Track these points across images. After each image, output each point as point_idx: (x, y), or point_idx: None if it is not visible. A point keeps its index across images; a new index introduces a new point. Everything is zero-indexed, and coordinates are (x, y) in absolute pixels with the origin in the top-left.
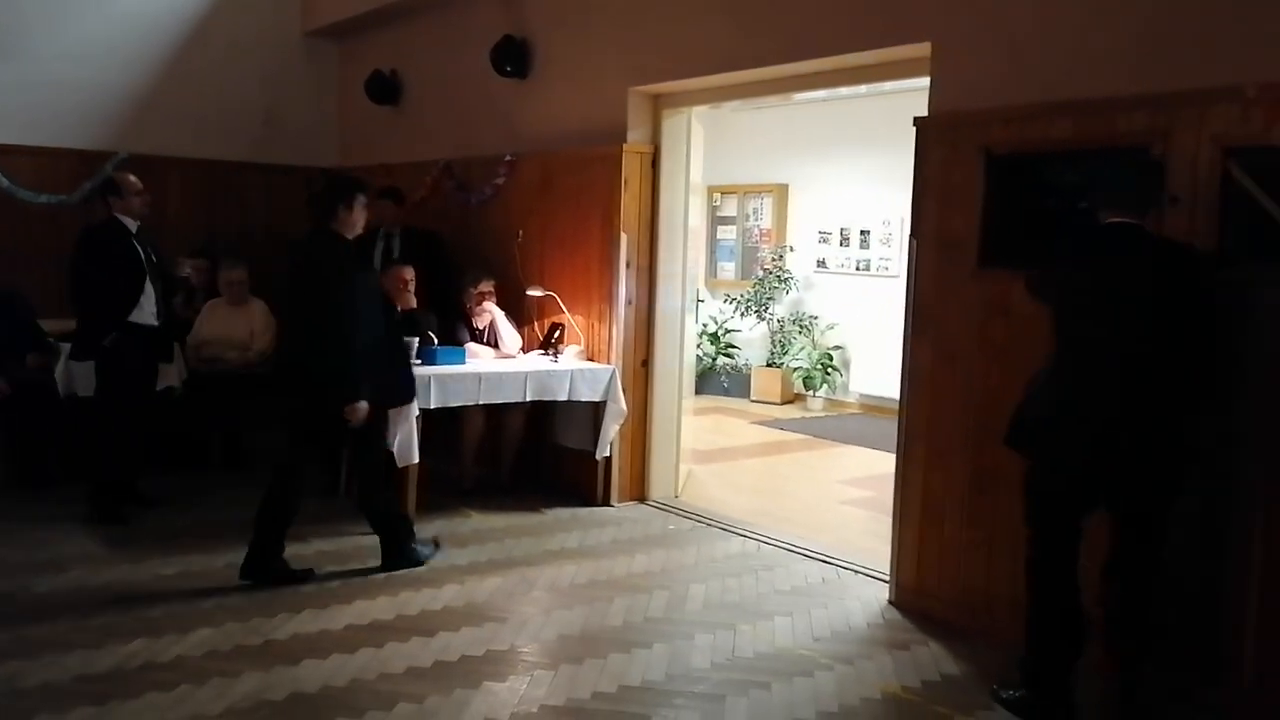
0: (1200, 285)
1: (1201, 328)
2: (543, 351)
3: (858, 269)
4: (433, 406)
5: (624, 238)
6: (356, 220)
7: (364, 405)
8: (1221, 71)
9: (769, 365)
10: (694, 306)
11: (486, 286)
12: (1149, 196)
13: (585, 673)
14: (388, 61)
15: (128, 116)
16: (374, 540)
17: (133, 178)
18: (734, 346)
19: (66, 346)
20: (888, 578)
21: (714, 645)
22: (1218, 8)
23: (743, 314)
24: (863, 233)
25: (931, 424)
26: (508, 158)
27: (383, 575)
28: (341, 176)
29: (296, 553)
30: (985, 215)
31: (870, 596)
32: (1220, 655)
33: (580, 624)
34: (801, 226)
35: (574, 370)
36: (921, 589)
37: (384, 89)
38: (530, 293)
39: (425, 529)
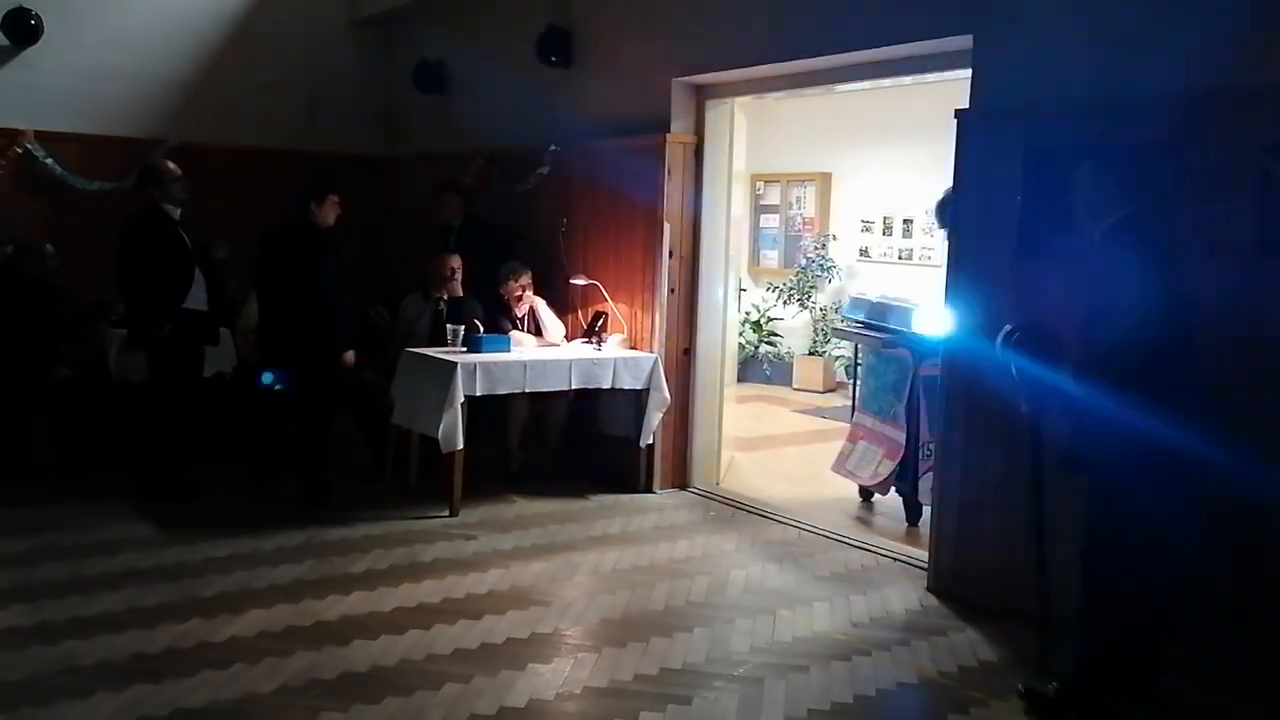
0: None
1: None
2: (586, 340)
3: (900, 258)
4: (479, 394)
5: (667, 227)
6: (327, 213)
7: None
8: (1259, 69)
9: (811, 354)
10: (736, 295)
11: (524, 280)
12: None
13: (627, 655)
14: (434, 51)
15: (175, 105)
16: (424, 525)
17: (172, 164)
18: (776, 335)
19: (119, 334)
20: (926, 565)
21: (753, 630)
22: (1257, 6)
23: (785, 302)
24: (905, 221)
25: (970, 413)
26: (552, 147)
27: (430, 559)
28: (320, 176)
29: (343, 536)
30: (1023, 207)
31: (908, 583)
32: (1225, 627)
33: (623, 608)
34: (844, 215)
35: (617, 359)
36: (959, 576)
37: (431, 78)
38: (574, 281)
39: (470, 514)
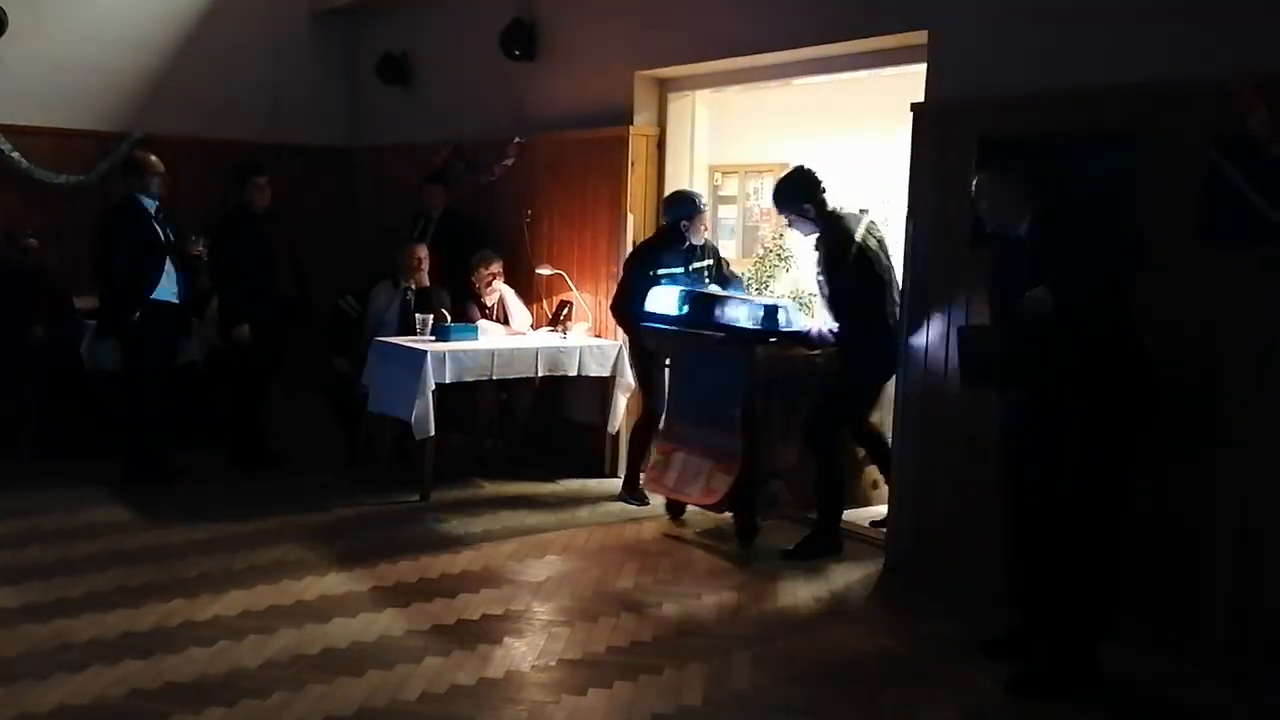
0: None
1: None
2: (552, 328)
3: None
4: (448, 381)
5: (630, 218)
6: (252, 195)
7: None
8: (1205, 62)
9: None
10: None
11: (495, 268)
12: None
13: (599, 630)
14: (398, 43)
15: (140, 97)
16: (397, 508)
17: (154, 158)
18: None
19: (91, 323)
20: (887, 541)
21: (719, 604)
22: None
23: None
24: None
25: (927, 395)
26: (517, 139)
27: (404, 540)
28: (247, 160)
29: (318, 520)
30: None
31: (868, 560)
32: (1197, 607)
33: (593, 586)
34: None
35: (583, 347)
36: (919, 552)
37: (394, 70)
38: (539, 271)
39: (441, 498)
